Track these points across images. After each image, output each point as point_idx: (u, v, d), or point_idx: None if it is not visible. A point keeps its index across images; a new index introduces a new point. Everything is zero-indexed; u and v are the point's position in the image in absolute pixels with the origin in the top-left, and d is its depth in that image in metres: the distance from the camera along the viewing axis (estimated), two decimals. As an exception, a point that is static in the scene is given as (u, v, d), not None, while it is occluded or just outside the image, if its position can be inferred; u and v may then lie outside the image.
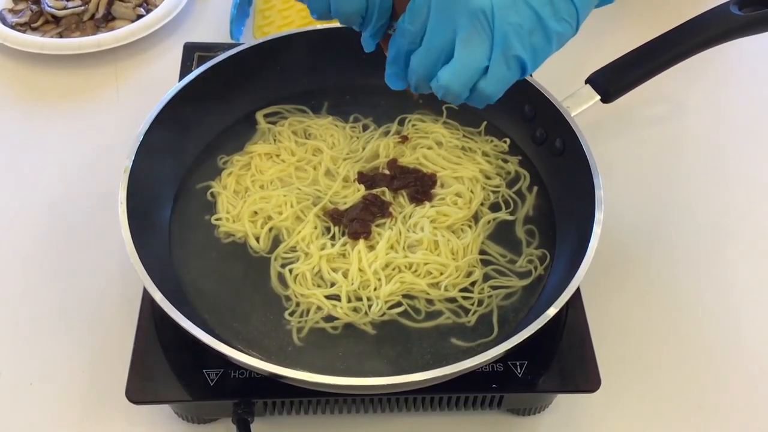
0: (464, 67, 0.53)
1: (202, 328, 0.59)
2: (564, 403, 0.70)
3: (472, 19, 0.52)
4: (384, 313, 0.67)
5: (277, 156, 0.78)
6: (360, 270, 0.69)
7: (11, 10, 1.00)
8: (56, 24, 0.99)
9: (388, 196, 0.75)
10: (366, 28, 0.59)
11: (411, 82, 0.58)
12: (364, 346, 0.66)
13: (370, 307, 0.67)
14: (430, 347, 0.66)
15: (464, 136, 0.81)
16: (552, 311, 0.60)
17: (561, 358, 0.66)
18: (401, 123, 0.81)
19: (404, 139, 0.79)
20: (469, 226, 0.73)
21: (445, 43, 0.54)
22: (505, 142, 0.80)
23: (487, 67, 0.53)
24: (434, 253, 0.71)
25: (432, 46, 0.54)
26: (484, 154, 0.79)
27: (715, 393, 0.72)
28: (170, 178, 0.75)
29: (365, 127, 0.81)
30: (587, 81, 0.76)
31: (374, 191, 0.75)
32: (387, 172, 0.77)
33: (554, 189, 0.77)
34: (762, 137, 0.94)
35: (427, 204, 0.74)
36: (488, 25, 0.52)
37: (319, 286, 0.69)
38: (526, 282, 0.70)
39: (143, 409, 0.68)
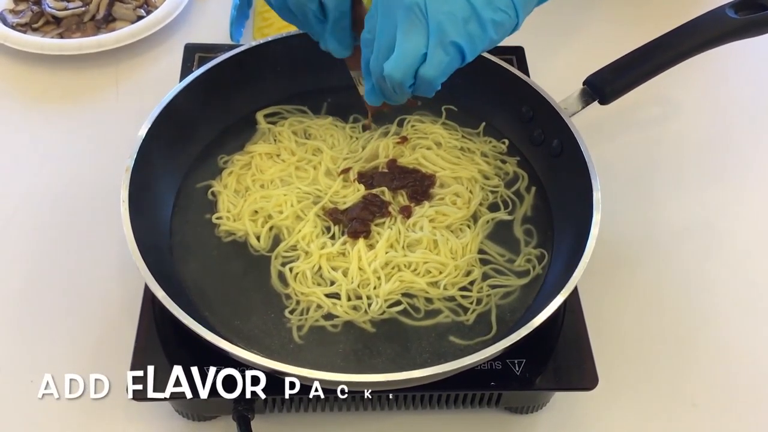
0: (404, 55, 0.57)
1: (203, 326, 0.59)
2: (561, 401, 0.71)
3: (408, 12, 0.56)
4: (383, 312, 0.68)
5: (278, 156, 0.78)
6: (360, 269, 0.69)
7: (12, 11, 1.00)
8: (57, 25, 0.99)
9: (387, 195, 0.75)
10: (326, 25, 0.65)
11: (370, 85, 0.63)
12: (364, 343, 0.66)
13: (369, 305, 0.68)
14: (429, 345, 0.66)
15: (463, 136, 0.81)
16: (550, 310, 0.61)
17: (558, 357, 0.66)
18: (400, 124, 0.82)
19: (403, 139, 0.80)
20: (468, 226, 0.74)
21: (390, 40, 0.58)
22: (503, 143, 0.81)
23: (425, 54, 0.57)
24: (433, 252, 0.71)
25: (380, 45, 0.59)
26: (483, 154, 0.80)
27: (710, 391, 0.73)
28: (171, 177, 0.76)
29: (365, 128, 0.82)
30: (585, 83, 0.77)
31: (374, 191, 0.75)
32: (386, 171, 0.77)
33: (552, 190, 0.77)
34: (758, 138, 0.95)
35: (426, 204, 0.75)
36: (423, 16, 0.56)
37: (319, 284, 0.69)
38: (524, 281, 0.71)
39: (144, 406, 0.68)
